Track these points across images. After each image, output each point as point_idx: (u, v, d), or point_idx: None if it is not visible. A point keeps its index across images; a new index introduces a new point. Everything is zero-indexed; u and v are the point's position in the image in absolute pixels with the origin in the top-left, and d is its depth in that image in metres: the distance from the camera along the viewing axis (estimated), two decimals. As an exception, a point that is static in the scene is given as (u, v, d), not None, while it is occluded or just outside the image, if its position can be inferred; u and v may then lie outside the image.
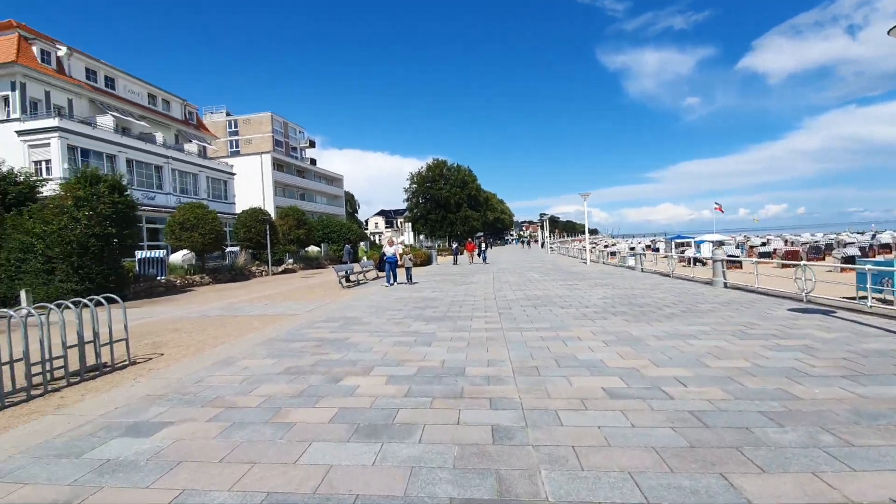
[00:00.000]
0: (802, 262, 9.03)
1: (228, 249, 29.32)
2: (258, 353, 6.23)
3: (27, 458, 3.30)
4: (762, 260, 21.03)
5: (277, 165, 52.01)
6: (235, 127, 63.04)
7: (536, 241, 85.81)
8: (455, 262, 27.93)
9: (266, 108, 60.80)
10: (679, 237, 49.90)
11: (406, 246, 26.19)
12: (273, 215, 35.02)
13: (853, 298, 15.87)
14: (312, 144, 65.67)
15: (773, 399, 3.81)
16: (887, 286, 15.29)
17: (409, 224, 33.64)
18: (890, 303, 15.13)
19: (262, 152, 51.88)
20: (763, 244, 41.25)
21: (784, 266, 22.38)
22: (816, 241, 38.89)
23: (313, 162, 62.72)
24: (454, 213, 73.92)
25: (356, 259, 28.07)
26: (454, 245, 30.49)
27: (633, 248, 50.97)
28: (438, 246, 62.36)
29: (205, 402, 4.32)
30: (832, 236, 48.86)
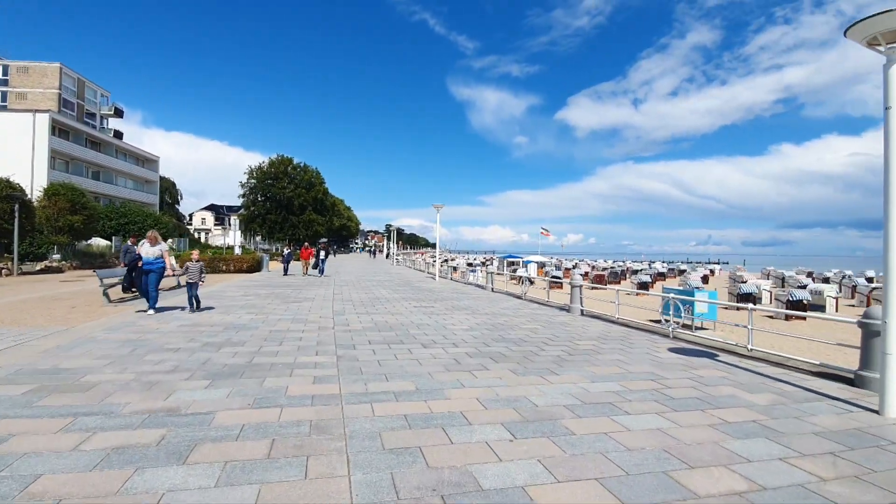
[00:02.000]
0: (672, 295, 8.32)
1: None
2: None
3: None
4: (601, 287, 22.16)
5: (60, 131, 39.09)
6: (5, 74, 46.02)
7: (382, 251, 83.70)
8: (285, 271, 21.73)
9: (71, 65, 45.42)
10: (510, 256, 53.29)
11: (198, 250, 18.02)
12: (41, 193, 25.28)
13: (657, 321, 17.16)
14: (119, 113, 51.82)
15: None
16: (687, 312, 16.93)
17: (237, 222, 27.22)
18: (689, 327, 16.78)
19: (39, 110, 38.36)
20: (574, 266, 46.35)
21: (594, 289, 24.26)
22: (612, 268, 45.16)
23: (118, 135, 49.46)
24: (297, 215, 67.20)
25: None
26: (285, 251, 23.56)
27: (471, 264, 52.64)
28: (276, 250, 55.33)
29: None
30: (620, 263, 58.10)
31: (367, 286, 17.19)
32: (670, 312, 18.34)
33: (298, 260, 23.38)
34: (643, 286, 31.07)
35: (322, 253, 21.44)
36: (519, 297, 14.45)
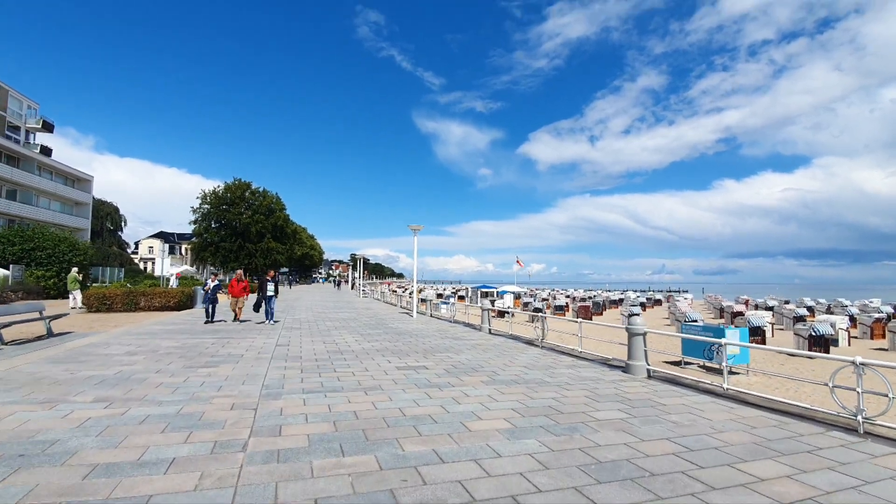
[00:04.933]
0: (856, 360, 4.74)
1: None
2: None
3: None
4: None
5: (-36, 143, 32.69)
6: None
7: (347, 281, 78.14)
8: (209, 316, 13.36)
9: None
10: (484, 286, 49.67)
11: None
12: None
13: (677, 363, 13.72)
14: (48, 128, 45.18)
15: None
16: (718, 354, 13.65)
17: (166, 248, 22.03)
18: (717, 371, 13.45)
19: (-62, 119, 31.95)
20: (554, 298, 43.19)
21: (569, 321, 20.44)
22: (592, 298, 42.39)
23: (47, 152, 42.91)
24: (255, 243, 61.29)
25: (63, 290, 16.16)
26: (208, 282, 13.91)
27: (440, 295, 48.55)
28: (227, 281, 49.27)
29: None
30: (594, 293, 55.74)
31: (327, 329, 12.82)
32: (702, 355, 14.65)
33: (231, 297, 14.25)
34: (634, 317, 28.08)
35: (270, 287, 13.40)
36: (532, 344, 10.60)
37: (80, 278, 18.72)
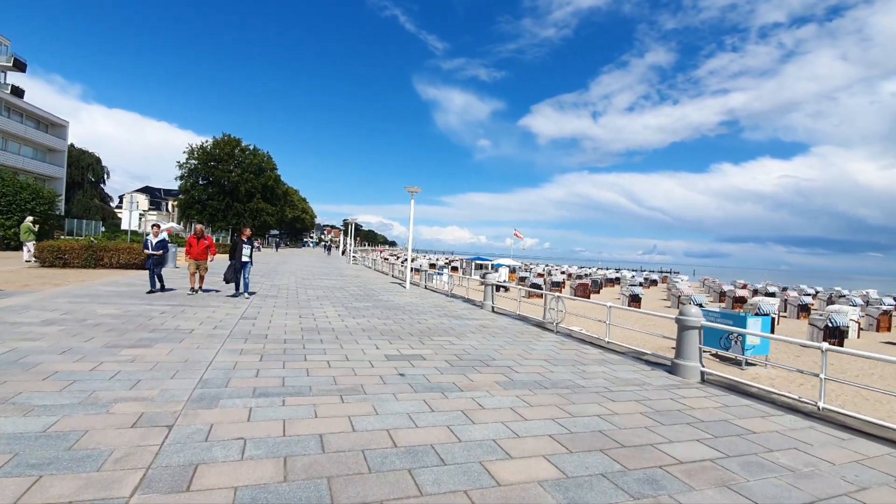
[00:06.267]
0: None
1: None
2: None
3: None
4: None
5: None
6: None
7: (338, 247, 76.02)
8: (156, 284, 10.13)
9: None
10: (479, 258, 48.17)
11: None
12: None
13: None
14: (20, 66, 41.45)
15: None
16: (736, 343, 12.34)
17: (135, 199, 20.06)
18: (738, 363, 12.17)
19: None
20: (549, 274, 41.85)
21: (571, 299, 18.18)
22: (589, 275, 41.13)
23: (19, 93, 39.49)
24: (243, 202, 58.77)
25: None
26: (148, 238, 10.08)
27: (434, 265, 47.02)
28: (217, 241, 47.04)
29: None
30: (588, 270, 54.58)
31: (307, 299, 11.14)
32: (718, 344, 13.26)
33: (192, 258, 10.52)
34: (635, 299, 26.86)
35: (245, 250, 10.47)
36: (544, 327, 9.06)
37: (36, 229, 16.70)
